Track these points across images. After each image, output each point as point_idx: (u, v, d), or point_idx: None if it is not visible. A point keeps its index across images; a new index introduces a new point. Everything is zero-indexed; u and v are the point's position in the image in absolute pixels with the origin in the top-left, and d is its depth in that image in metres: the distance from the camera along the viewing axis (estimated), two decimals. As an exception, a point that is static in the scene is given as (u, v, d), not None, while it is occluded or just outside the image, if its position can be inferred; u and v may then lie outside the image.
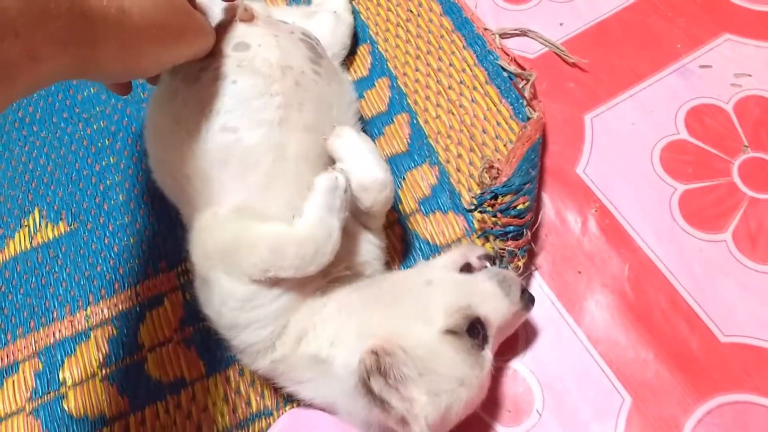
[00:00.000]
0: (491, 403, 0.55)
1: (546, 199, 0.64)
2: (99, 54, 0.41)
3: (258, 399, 0.58)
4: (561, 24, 0.74)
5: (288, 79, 0.54)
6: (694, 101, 0.67)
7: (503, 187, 0.57)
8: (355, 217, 0.54)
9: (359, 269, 0.54)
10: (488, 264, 0.54)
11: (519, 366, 0.57)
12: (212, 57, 0.53)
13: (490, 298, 0.49)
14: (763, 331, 0.54)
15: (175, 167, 0.53)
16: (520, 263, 0.56)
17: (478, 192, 0.60)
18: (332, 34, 0.70)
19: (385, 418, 0.43)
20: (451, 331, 0.46)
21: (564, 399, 0.54)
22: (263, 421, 0.57)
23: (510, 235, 0.56)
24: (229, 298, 0.48)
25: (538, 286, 0.59)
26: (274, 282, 0.48)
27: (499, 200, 0.57)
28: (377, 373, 0.43)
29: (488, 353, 0.48)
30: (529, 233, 0.57)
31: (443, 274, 0.52)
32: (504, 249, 0.56)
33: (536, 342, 0.57)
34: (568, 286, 0.59)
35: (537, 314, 0.58)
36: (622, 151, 0.65)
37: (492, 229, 0.57)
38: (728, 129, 0.64)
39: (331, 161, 0.54)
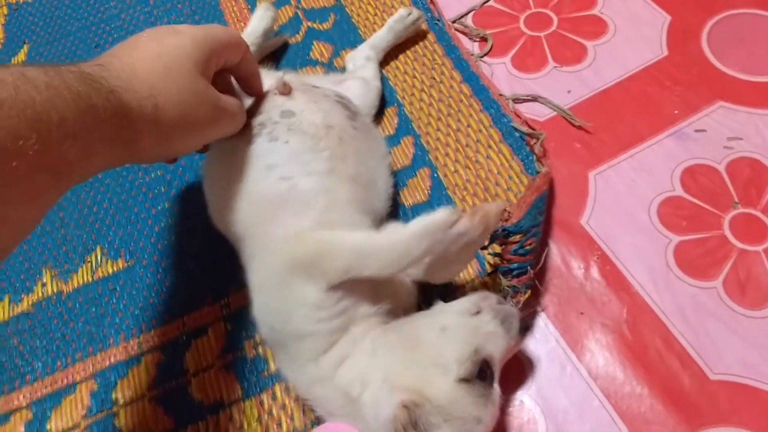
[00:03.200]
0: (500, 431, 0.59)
1: (553, 246, 0.70)
2: (139, 146, 0.48)
3: (288, 421, 0.63)
4: (569, 91, 0.81)
5: (333, 136, 0.61)
6: (689, 162, 0.73)
7: (514, 227, 0.64)
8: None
9: (397, 310, 0.57)
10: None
11: (525, 398, 0.62)
12: (264, 124, 0.62)
13: (494, 339, 0.53)
14: (749, 371, 0.59)
15: (239, 209, 0.60)
16: (523, 299, 0.62)
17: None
18: (363, 97, 0.77)
19: None
20: (464, 379, 0.50)
21: (566, 429, 0.59)
22: (292, 440, 0.63)
23: (514, 273, 0.62)
24: (303, 303, 0.52)
25: (544, 325, 0.65)
26: (342, 296, 0.52)
27: (510, 239, 0.64)
28: (411, 428, 0.47)
29: (496, 387, 0.52)
30: (532, 271, 0.63)
31: (455, 320, 0.54)
32: (509, 286, 0.62)
33: (542, 376, 0.63)
34: (571, 326, 0.65)
35: (543, 351, 0.64)
36: (623, 205, 0.71)
37: (500, 266, 0.63)
38: (720, 187, 0.70)
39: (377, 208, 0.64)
